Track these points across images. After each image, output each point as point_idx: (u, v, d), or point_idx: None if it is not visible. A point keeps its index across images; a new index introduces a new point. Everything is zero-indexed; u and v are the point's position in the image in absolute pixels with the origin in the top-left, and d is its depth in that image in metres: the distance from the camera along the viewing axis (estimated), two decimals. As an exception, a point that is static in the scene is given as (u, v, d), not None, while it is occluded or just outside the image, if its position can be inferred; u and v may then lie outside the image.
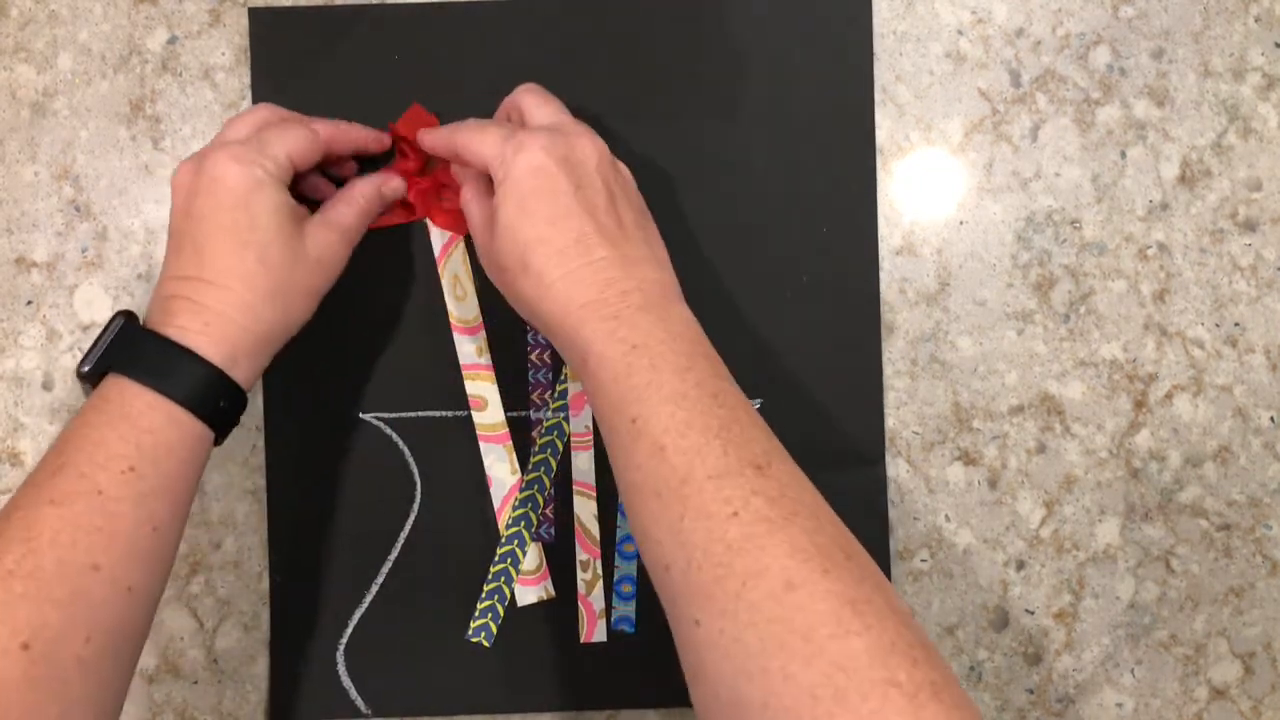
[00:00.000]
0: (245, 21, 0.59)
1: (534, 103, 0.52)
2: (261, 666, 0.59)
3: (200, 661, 0.59)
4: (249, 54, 0.59)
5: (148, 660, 0.59)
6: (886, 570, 0.59)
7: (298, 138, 0.51)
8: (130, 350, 0.47)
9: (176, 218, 0.49)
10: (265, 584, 0.59)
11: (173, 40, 0.59)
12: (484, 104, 0.56)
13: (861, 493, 0.59)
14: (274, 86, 0.59)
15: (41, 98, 0.59)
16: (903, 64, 0.60)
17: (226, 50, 0.59)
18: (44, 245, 0.59)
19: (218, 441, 0.49)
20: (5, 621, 0.41)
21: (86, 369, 0.48)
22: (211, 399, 0.47)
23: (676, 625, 0.43)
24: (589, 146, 0.50)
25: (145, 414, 0.46)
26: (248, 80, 0.59)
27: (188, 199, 0.49)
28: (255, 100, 0.59)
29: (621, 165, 0.52)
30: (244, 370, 0.48)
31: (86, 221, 0.59)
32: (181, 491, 0.47)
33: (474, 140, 0.51)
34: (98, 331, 0.59)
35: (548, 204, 0.48)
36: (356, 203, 0.54)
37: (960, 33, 0.60)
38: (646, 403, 0.44)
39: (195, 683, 0.59)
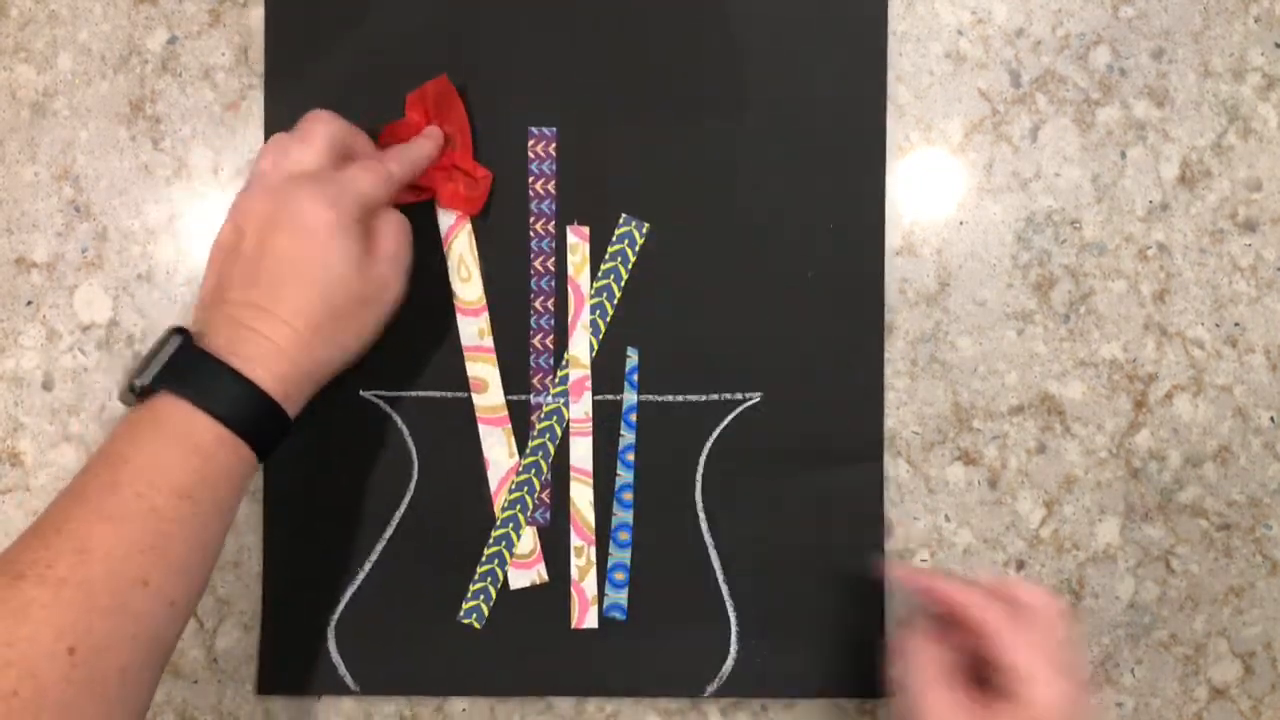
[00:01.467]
0: (245, 22, 0.59)
1: None
2: (261, 666, 0.59)
3: (200, 661, 0.59)
4: (264, 33, 0.59)
5: (148, 660, 0.59)
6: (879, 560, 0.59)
7: (376, 183, 0.52)
8: (193, 374, 0.48)
9: (249, 245, 0.50)
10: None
11: (173, 40, 0.59)
12: (501, 81, 0.58)
13: (859, 490, 0.59)
14: (290, 64, 0.59)
15: (41, 98, 0.59)
16: (903, 64, 0.60)
17: (226, 50, 0.59)
18: (44, 245, 0.59)
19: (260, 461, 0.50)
20: (52, 624, 0.42)
21: (143, 383, 0.47)
22: (265, 429, 0.48)
23: None
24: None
25: (206, 440, 0.47)
26: (248, 80, 0.59)
27: (264, 230, 0.50)
28: (269, 84, 0.59)
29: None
30: (294, 402, 0.49)
31: (86, 221, 0.59)
32: (229, 512, 0.48)
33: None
34: (97, 331, 0.59)
35: None
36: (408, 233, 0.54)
37: (960, 33, 0.60)
38: None
39: (195, 682, 0.59)
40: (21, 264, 0.59)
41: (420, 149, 0.56)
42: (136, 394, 0.47)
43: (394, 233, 0.53)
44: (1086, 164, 0.60)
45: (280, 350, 0.48)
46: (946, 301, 0.59)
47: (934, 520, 0.59)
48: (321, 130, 0.52)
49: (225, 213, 0.51)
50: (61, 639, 0.42)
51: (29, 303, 0.59)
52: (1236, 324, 0.60)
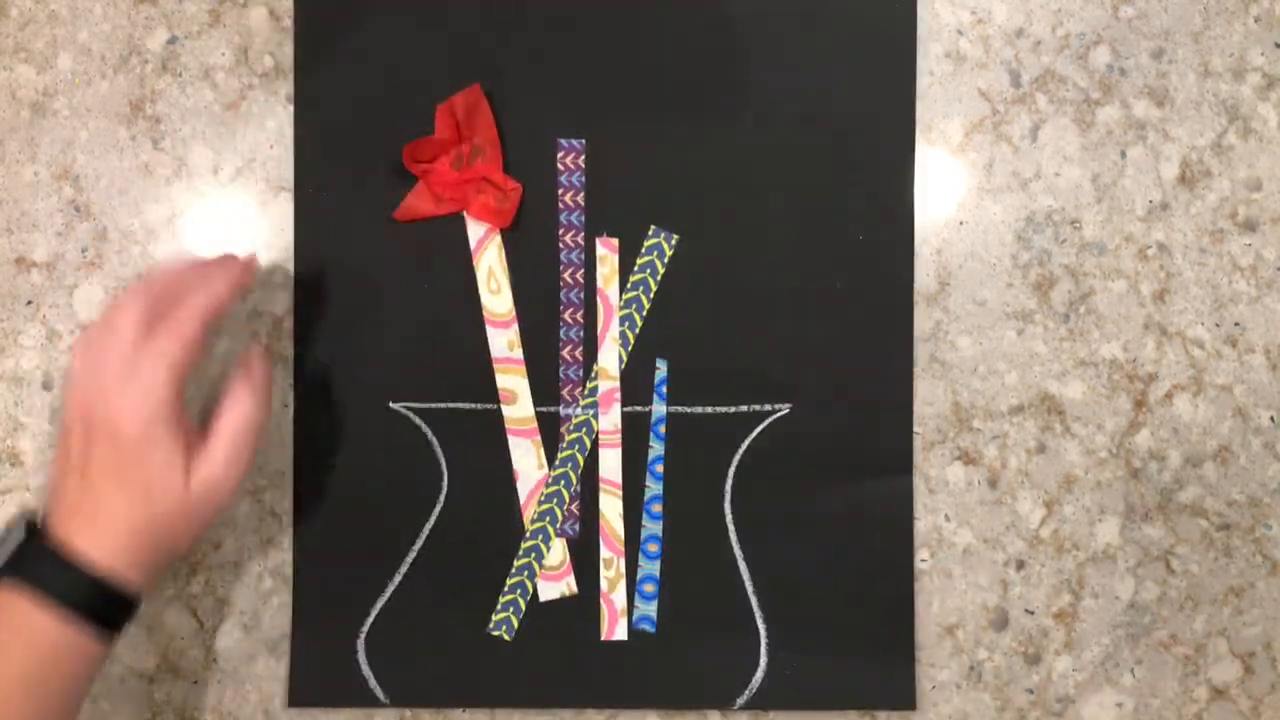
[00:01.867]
0: (245, 22, 0.59)
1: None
2: (262, 666, 0.59)
3: (200, 661, 0.59)
4: (294, 51, 0.59)
5: (148, 660, 0.59)
6: (907, 573, 0.59)
7: (181, 346, 0.50)
8: (27, 560, 0.49)
9: (76, 454, 0.50)
10: (266, 584, 0.59)
11: (173, 40, 0.59)
12: (529, 93, 0.58)
13: (888, 502, 0.59)
14: (319, 81, 0.59)
15: (41, 98, 0.59)
16: (916, 66, 0.60)
17: (226, 50, 0.59)
18: (44, 245, 0.59)
19: (110, 641, 0.50)
20: None
21: None
22: (101, 608, 0.49)
23: None
24: None
25: (38, 623, 0.48)
26: (248, 80, 0.59)
27: (86, 439, 0.50)
28: (298, 102, 0.58)
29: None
30: (134, 582, 0.50)
31: (86, 221, 0.59)
32: (71, 697, 0.49)
33: None
34: (97, 332, 0.59)
35: None
36: (241, 442, 0.53)
37: (960, 33, 0.60)
38: None
39: (195, 683, 0.59)
40: (21, 264, 0.59)
41: (206, 292, 0.52)
42: None
43: (232, 429, 0.52)
44: (1086, 164, 0.60)
45: (109, 542, 0.49)
46: (946, 301, 0.59)
47: (934, 520, 0.59)
48: (124, 310, 0.50)
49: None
50: None
51: (29, 303, 0.59)
52: (1236, 324, 0.60)
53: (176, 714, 0.59)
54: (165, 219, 0.59)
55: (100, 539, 0.49)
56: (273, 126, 0.59)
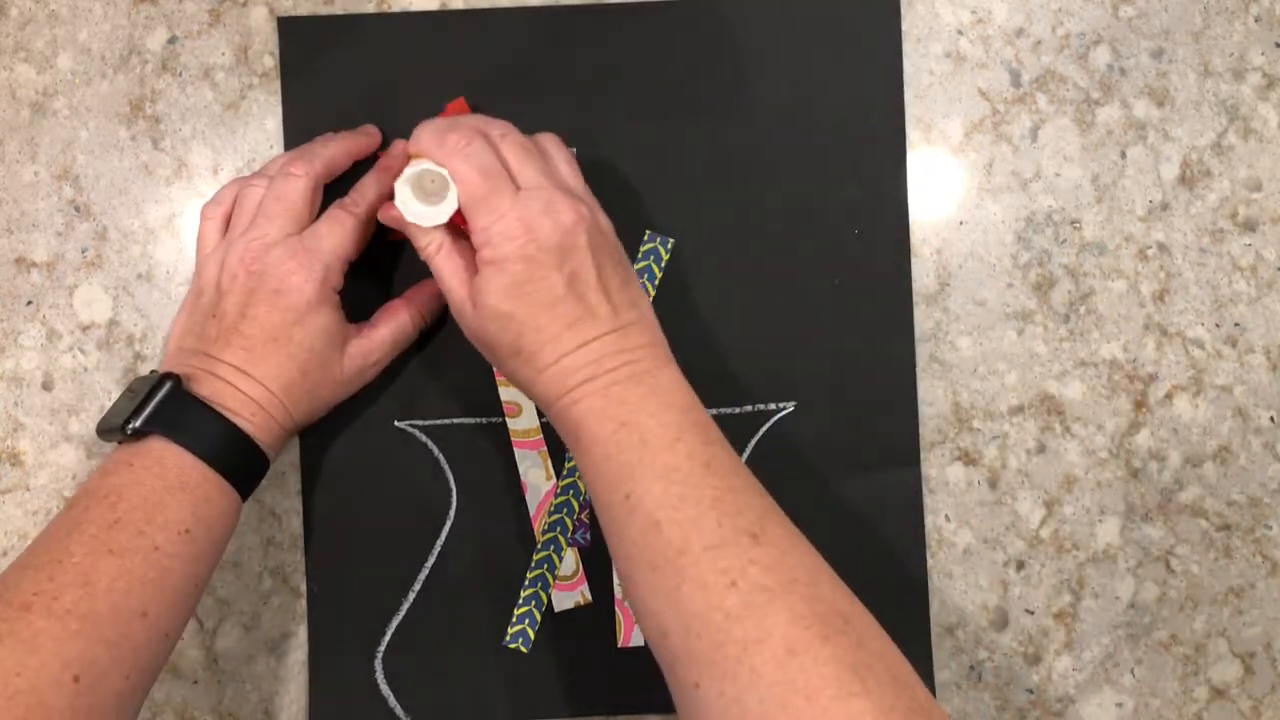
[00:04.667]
0: (245, 22, 0.59)
1: (518, 160, 0.50)
2: (262, 666, 0.59)
3: (200, 661, 0.59)
4: (278, 63, 0.59)
5: (148, 660, 0.59)
6: (920, 564, 0.59)
7: (345, 237, 0.53)
8: (185, 419, 0.50)
9: (230, 310, 0.52)
10: (266, 584, 0.59)
11: (173, 40, 0.59)
12: (518, 103, 0.57)
13: (897, 494, 0.59)
14: (305, 95, 0.59)
15: (41, 98, 0.59)
16: (903, 64, 0.60)
17: (226, 50, 0.59)
18: (44, 245, 0.59)
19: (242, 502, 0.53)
20: (59, 655, 0.44)
21: (135, 427, 0.50)
22: (254, 476, 0.52)
23: (676, 688, 0.45)
24: (572, 217, 0.49)
25: (201, 485, 0.50)
26: (247, 80, 0.59)
27: (246, 299, 0.52)
28: (286, 109, 0.59)
29: (602, 217, 0.51)
30: (272, 449, 0.53)
31: (86, 221, 0.59)
32: (220, 548, 0.52)
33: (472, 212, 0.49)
34: (97, 331, 0.59)
35: (542, 290, 0.48)
36: (397, 324, 0.56)
37: (960, 33, 0.60)
38: (639, 479, 0.46)
39: (195, 682, 0.59)
40: (21, 264, 0.59)
41: (373, 181, 0.56)
42: (128, 435, 0.50)
43: (393, 329, 0.55)
44: (1086, 164, 0.60)
45: (260, 408, 0.51)
46: (946, 301, 0.59)
47: (934, 520, 0.59)
48: (294, 191, 0.53)
49: (201, 259, 0.54)
50: (68, 669, 0.44)
51: (29, 303, 0.59)
52: (1236, 324, 0.60)
53: (176, 714, 0.59)
54: (165, 219, 0.59)
55: (250, 398, 0.51)
56: (272, 126, 0.59)
